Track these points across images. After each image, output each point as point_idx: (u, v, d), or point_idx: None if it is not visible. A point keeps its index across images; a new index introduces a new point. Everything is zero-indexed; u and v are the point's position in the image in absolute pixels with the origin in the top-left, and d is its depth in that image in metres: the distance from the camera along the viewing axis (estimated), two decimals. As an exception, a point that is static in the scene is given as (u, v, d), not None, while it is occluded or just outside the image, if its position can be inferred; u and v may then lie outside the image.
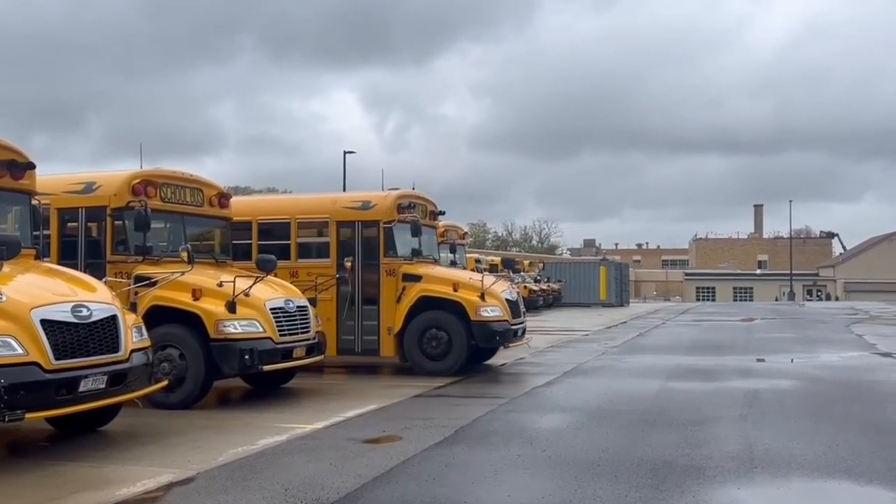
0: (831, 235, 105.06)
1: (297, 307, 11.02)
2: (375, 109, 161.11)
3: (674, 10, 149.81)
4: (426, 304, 13.60)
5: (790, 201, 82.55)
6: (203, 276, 10.56)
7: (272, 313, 10.49)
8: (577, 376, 13.59)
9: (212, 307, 10.15)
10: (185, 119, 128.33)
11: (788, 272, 77.02)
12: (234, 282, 10.25)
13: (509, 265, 16.36)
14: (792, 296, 74.30)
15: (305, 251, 14.42)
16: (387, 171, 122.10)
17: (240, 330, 10.10)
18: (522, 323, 14.80)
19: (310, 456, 7.45)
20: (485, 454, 7.56)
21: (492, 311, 13.54)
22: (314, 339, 11.27)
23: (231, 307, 10.13)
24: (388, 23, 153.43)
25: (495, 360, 15.40)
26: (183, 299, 10.25)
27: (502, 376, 13.96)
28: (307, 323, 11.14)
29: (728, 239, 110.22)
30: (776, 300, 74.52)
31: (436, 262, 15.22)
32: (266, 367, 10.28)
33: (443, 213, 16.04)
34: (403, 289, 13.69)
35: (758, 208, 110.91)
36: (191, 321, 10.17)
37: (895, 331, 23.91)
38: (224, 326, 10.04)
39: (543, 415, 9.87)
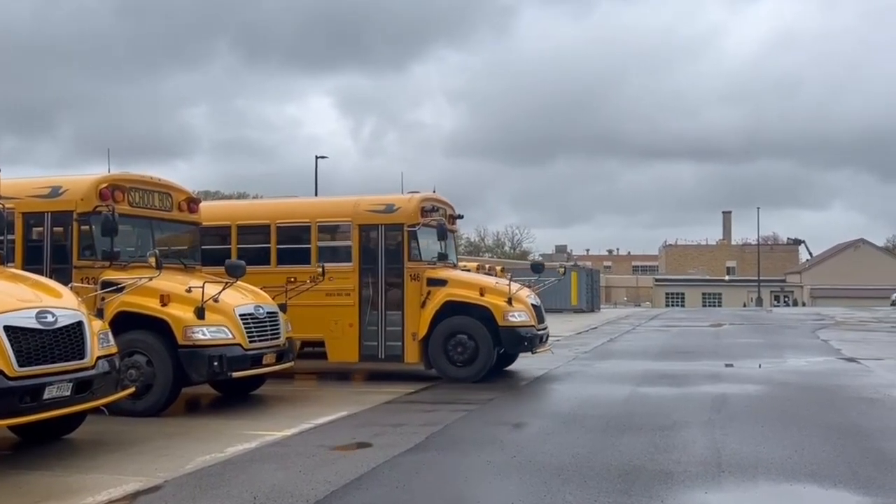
0: (798, 242, 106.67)
1: (267, 313, 10.94)
2: (351, 114, 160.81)
3: (650, 19, 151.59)
4: (451, 309, 13.32)
5: (758, 209, 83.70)
6: (171, 282, 10.45)
7: (241, 319, 10.41)
8: (549, 382, 13.64)
9: (180, 313, 10.04)
10: (157, 123, 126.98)
11: (756, 278, 78.01)
12: (202, 287, 10.15)
13: (538, 269, 15.31)
14: (760, 302, 75.23)
15: (326, 255, 14.03)
16: (362, 176, 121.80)
17: (208, 336, 10.01)
18: (546, 328, 14.55)
19: (279, 463, 7.39)
20: (455, 461, 7.55)
21: (520, 317, 13.30)
22: (284, 345, 11.20)
23: (200, 313, 10.03)
24: (365, 28, 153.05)
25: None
26: (151, 305, 10.13)
27: (474, 382, 13.94)
28: (277, 329, 11.06)
29: (697, 245, 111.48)
30: (744, 306, 75.42)
31: (455, 266, 14.95)
32: (235, 374, 10.20)
33: (461, 217, 15.72)
34: (428, 293, 13.40)
35: (726, 215, 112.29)
36: (159, 327, 10.06)
37: (859, 336, 24.31)
38: (192, 333, 9.94)
39: (514, 420, 9.88)
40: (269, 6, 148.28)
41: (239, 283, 11.01)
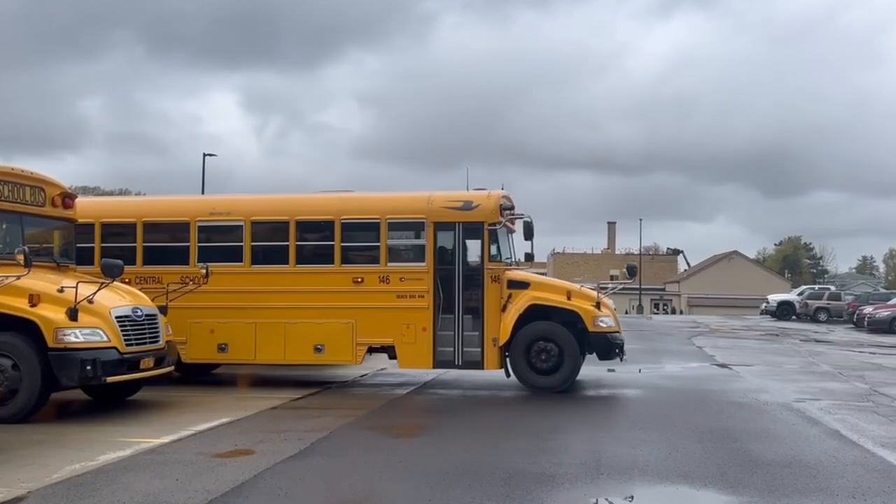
0: (677, 252, 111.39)
1: (146, 315, 10.51)
2: (256, 113, 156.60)
3: (565, 34, 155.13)
4: (533, 313, 12.55)
5: (640, 219, 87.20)
6: (42, 281, 9.91)
7: (118, 321, 9.97)
8: (436, 387, 13.69)
9: (50, 314, 9.53)
10: (48, 113, 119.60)
11: (638, 286, 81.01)
12: (76, 287, 9.65)
13: (633, 273, 14.24)
14: (640, 309, 78.11)
15: (395, 254, 13.12)
16: (261, 175, 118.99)
17: (81, 339, 9.55)
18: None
19: (155, 472, 7.09)
20: (340, 466, 7.46)
21: (609, 321, 12.68)
22: (164, 348, 10.78)
23: (72, 314, 9.53)
24: (279, 27, 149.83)
25: (356, 370, 15.27)
26: (18, 305, 9.56)
27: (363, 388, 13.85)
28: (156, 332, 10.64)
29: (584, 254, 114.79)
30: (626, 313, 78.00)
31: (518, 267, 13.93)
32: (110, 379, 9.77)
33: (521, 217, 14.22)
34: (509, 296, 12.57)
35: (611, 225, 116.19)
36: (27, 329, 9.51)
37: (731, 343, 25.57)
38: (64, 335, 9.45)
39: (401, 425, 9.86)
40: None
41: (116, 283, 10.55)
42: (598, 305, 12.66)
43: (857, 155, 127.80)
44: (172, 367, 11.39)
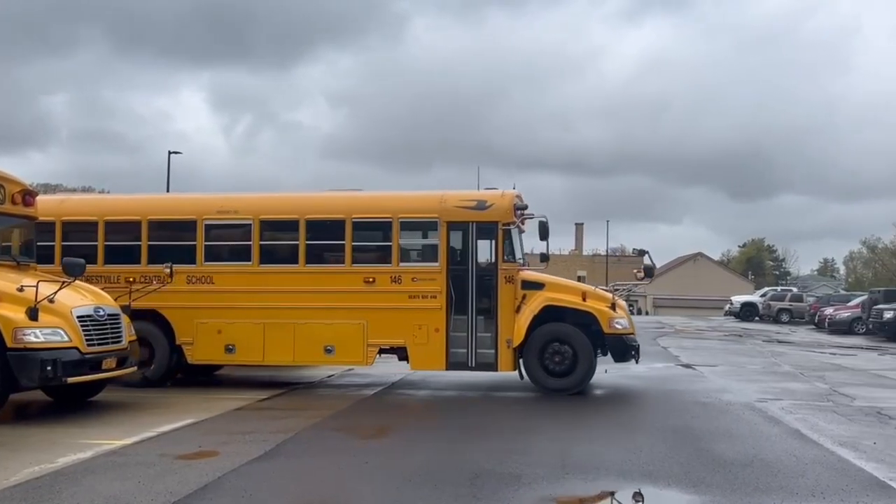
0: (642, 253, 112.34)
1: (109, 315, 10.36)
2: (226, 111, 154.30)
3: (540, 36, 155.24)
4: (547, 314, 12.40)
5: (607, 221, 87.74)
6: (1, 280, 9.71)
7: (80, 321, 9.82)
8: (404, 387, 13.67)
9: (10, 314, 9.36)
10: (12, 109, 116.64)
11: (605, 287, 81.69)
12: (36, 286, 9.47)
13: (650, 273, 13.86)
14: (607, 310, 78.74)
15: (407, 254, 13.01)
16: (230, 174, 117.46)
17: (41, 339, 9.39)
18: None
19: (116, 474, 6.98)
20: (306, 467, 7.41)
21: (624, 323, 12.54)
22: (126, 349, 10.63)
23: (32, 314, 9.36)
24: (251, 25, 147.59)
25: (321, 372, 15.20)
26: (-24, 305, 9.35)
27: (330, 388, 13.78)
28: (119, 332, 10.50)
29: (551, 255, 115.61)
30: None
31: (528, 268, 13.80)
32: (71, 379, 9.63)
33: (535, 217, 14.02)
34: (523, 297, 12.43)
35: (578, 226, 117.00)
36: (-16, 329, 9.29)
37: (695, 344, 25.88)
38: (23, 335, 9.29)
39: (368, 426, 9.83)
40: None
41: (78, 282, 10.37)
42: (613, 307, 12.57)
43: (823, 159, 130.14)
44: (135, 368, 11.23)
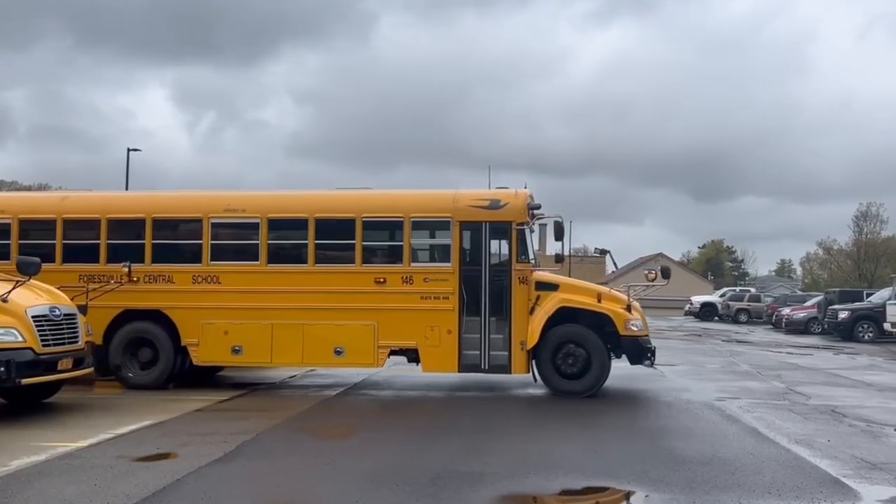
0: (604, 253, 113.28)
1: (65, 315, 10.16)
2: (190, 109, 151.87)
3: (507, 37, 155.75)
4: (561, 316, 12.20)
5: (570, 221, 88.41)
6: (-48, 279, 9.46)
7: (34, 321, 9.61)
8: (366, 388, 13.62)
9: (-39, 314, 9.10)
10: None
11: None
12: (-11, 286, 9.25)
13: (666, 274, 13.48)
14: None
15: (419, 254, 12.78)
16: (193, 171, 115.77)
17: (-5, 339, 9.14)
18: None
19: (71, 477, 6.85)
20: (266, 469, 7.34)
21: (639, 325, 12.40)
22: (83, 349, 10.43)
23: (-15, 314, 9.13)
24: (217, 23, 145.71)
25: (283, 373, 15.08)
26: (-74, 304, 9.11)
27: (292, 389, 13.67)
28: (75, 332, 10.29)
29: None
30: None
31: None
32: (25, 381, 9.41)
33: (549, 217, 13.77)
34: (537, 298, 12.22)
35: (542, 227, 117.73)
36: (-65, 329, 9.06)
37: (656, 343, 26.13)
38: (-25, 335, 9.03)
39: (329, 427, 9.77)
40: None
41: (33, 281, 10.15)
42: (628, 308, 12.43)
43: (782, 161, 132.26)
44: (92, 369, 11.02)
